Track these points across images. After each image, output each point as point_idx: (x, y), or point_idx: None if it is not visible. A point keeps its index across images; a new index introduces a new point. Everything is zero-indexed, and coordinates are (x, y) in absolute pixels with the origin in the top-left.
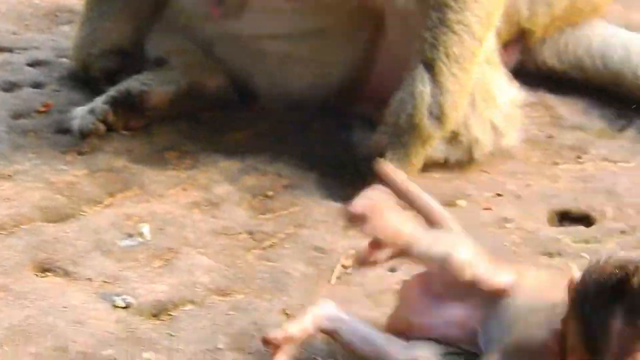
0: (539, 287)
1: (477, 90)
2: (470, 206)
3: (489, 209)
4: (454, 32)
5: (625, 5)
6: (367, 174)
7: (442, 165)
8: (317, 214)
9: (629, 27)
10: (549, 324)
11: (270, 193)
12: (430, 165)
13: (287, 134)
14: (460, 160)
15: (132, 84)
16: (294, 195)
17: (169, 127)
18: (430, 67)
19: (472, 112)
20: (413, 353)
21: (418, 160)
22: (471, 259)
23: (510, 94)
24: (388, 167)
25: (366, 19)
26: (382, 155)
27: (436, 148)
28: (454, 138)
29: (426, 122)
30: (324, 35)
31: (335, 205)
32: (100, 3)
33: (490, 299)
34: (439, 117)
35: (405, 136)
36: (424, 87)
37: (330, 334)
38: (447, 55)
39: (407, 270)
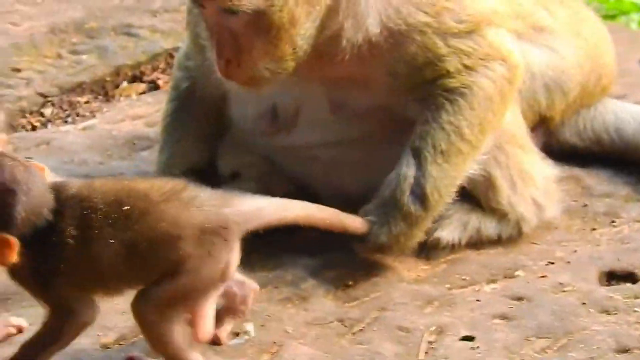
0: None
1: (515, 173)
2: (528, 276)
3: (545, 276)
4: (443, 130)
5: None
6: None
7: (496, 242)
8: (396, 297)
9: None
10: None
11: (350, 282)
12: (485, 243)
13: None
14: (511, 235)
15: None
16: (373, 282)
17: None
18: (417, 154)
19: (514, 193)
20: None
21: (408, 241)
22: None
23: (545, 171)
24: None
25: (404, 123)
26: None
27: (488, 226)
28: (502, 217)
29: (407, 198)
30: (368, 139)
31: (410, 287)
32: (175, 129)
33: None
34: (420, 196)
35: (389, 212)
36: (408, 170)
37: None
38: (434, 147)
39: (487, 342)
